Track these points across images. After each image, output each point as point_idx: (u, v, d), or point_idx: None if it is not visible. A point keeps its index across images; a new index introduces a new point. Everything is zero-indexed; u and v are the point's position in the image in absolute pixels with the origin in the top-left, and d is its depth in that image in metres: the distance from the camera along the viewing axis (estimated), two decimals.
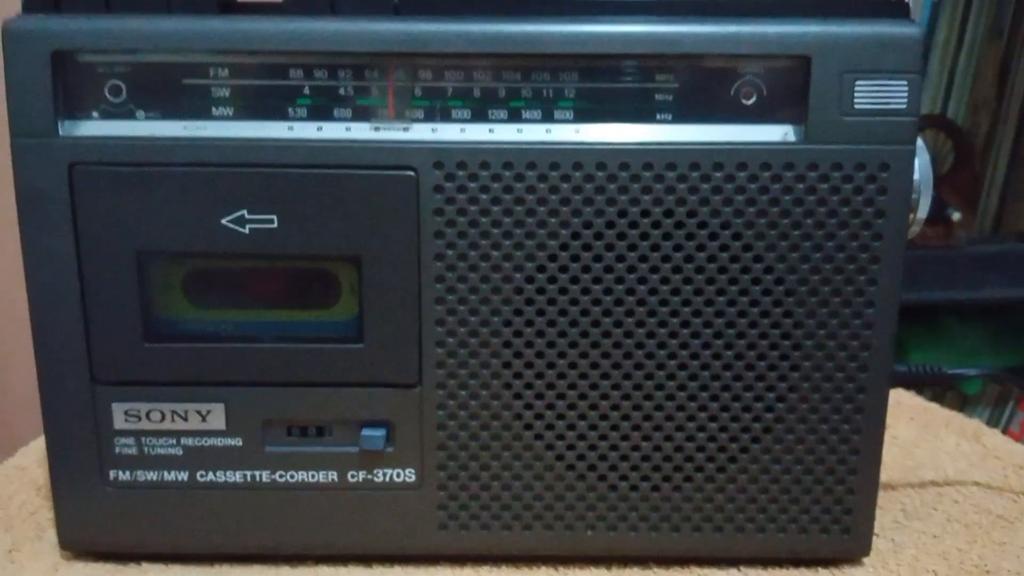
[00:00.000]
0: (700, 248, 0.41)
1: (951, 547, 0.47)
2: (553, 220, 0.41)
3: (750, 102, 0.41)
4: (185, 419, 0.44)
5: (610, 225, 0.41)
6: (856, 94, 0.40)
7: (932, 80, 1.07)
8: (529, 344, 0.43)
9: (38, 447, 0.58)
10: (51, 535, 0.47)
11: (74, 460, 0.44)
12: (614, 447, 0.44)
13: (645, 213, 0.41)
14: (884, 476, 0.54)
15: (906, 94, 0.40)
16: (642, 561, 0.46)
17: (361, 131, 0.41)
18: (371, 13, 0.41)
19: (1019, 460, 0.58)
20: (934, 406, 0.68)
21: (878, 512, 0.46)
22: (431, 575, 0.46)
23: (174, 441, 0.44)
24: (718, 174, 0.41)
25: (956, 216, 1.03)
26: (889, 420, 0.63)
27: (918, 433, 0.62)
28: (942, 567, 0.46)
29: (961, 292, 1.05)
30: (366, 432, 0.44)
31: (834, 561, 0.46)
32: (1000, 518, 0.51)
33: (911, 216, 0.42)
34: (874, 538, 0.46)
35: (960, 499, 0.53)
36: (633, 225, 0.41)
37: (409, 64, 0.41)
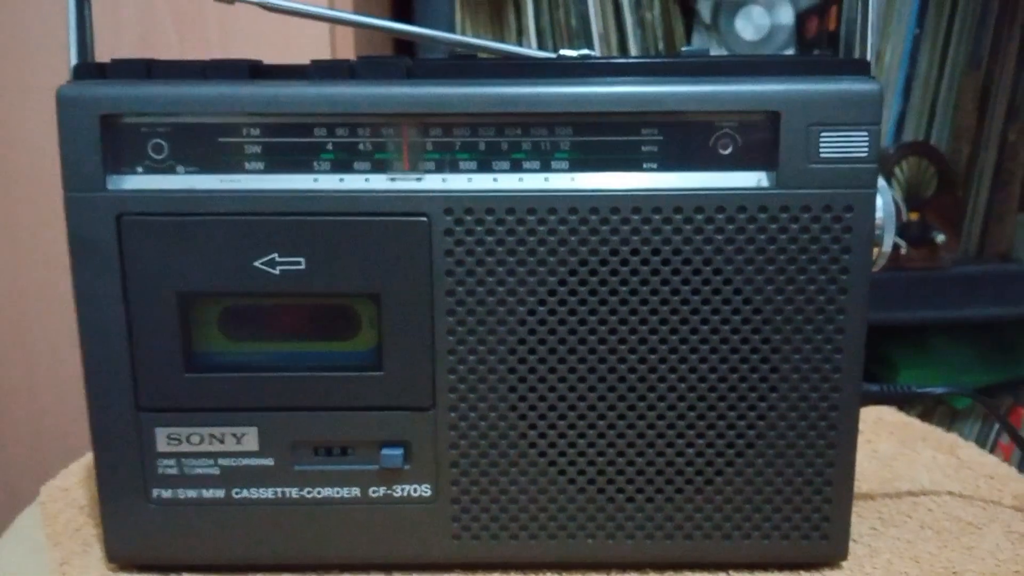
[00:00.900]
0: (685, 282, 0.45)
1: (923, 551, 0.49)
2: (552, 259, 0.44)
3: (727, 152, 0.44)
4: (222, 442, 0.46)
5: (603, 263, 0.44)
6: (821, 144, 0.43)
7: (915, 109, 1.09)
8: (532, 370, 0.46)
9: (78, 469, 0.61)
10: (96, 549, 0.50)
11: (120, 480, 0.47)
12: (611, 462, 0.47)
13: (635, 251, 0.44)
14: (863, 486, 0.57)
15: (867, 144, 0.43)
16: (638, 567, 0.48)
17: (379, 182, 0.44)
18: (386, 78, 0.44)
19: (990, 471, 0.60)
20: (914, 421, 0.70)
21: (857, 520, 0.48)
22: None
23: (212, 462, 0.47)
24: (699, 216, 0.44)
25: (941, 239, 1.04)
26: (870, 435, 0.67)
27: (897, 447, 0.64)
28: (913, 570, 0.48)
29: (948, 311, 1.05)
30: (385, 451, 0.46)
31: (814, 565, 0.48)
32: (970, 524, 0.53)
33: (876, 250, 0.45)
34: (852, 543, 0.49)
35: (934, 507, 0.55)
36: (624, 262, 0.44)
37: (421, 123, 0.44)
